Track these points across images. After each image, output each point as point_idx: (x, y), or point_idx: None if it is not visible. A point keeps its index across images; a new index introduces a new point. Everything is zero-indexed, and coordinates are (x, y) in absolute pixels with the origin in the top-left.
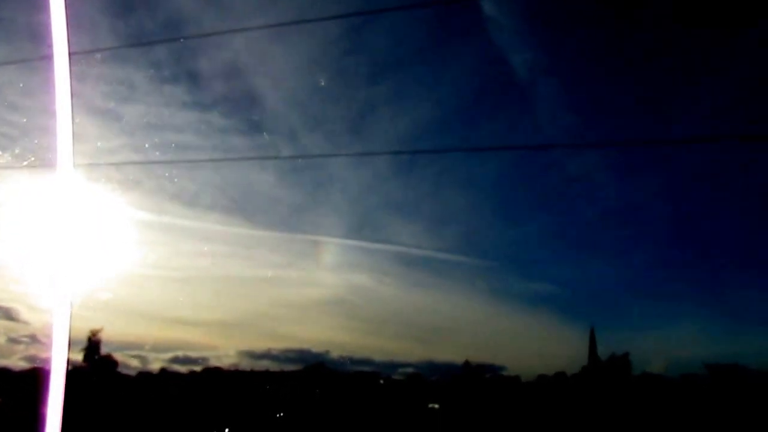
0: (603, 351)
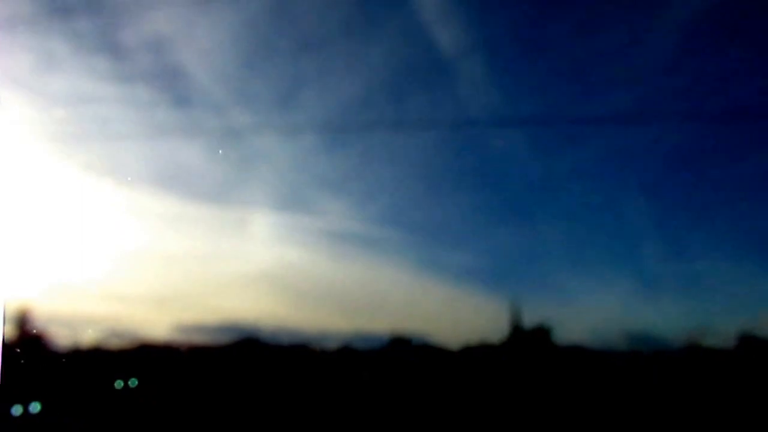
0: (525, 321)
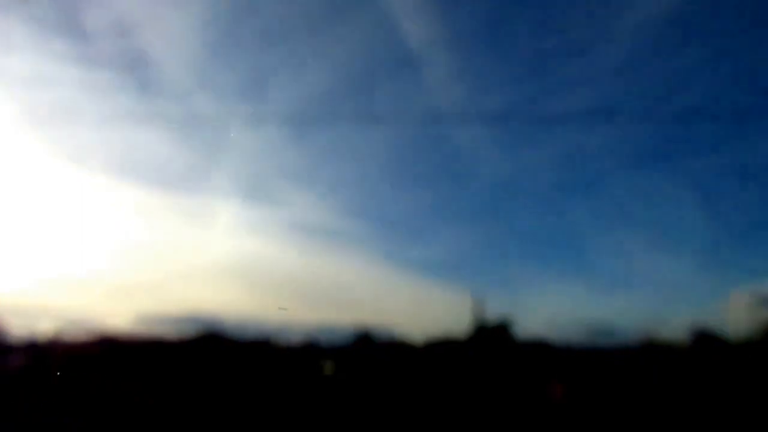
0: (488, 314)
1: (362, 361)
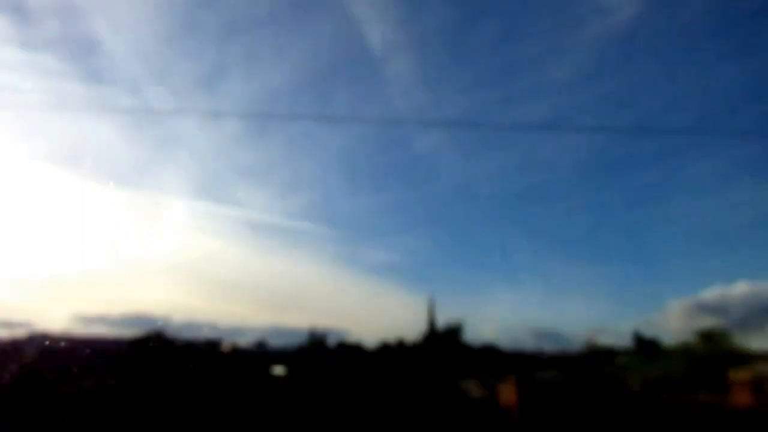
0: (441, 318)
1: (315, 365)
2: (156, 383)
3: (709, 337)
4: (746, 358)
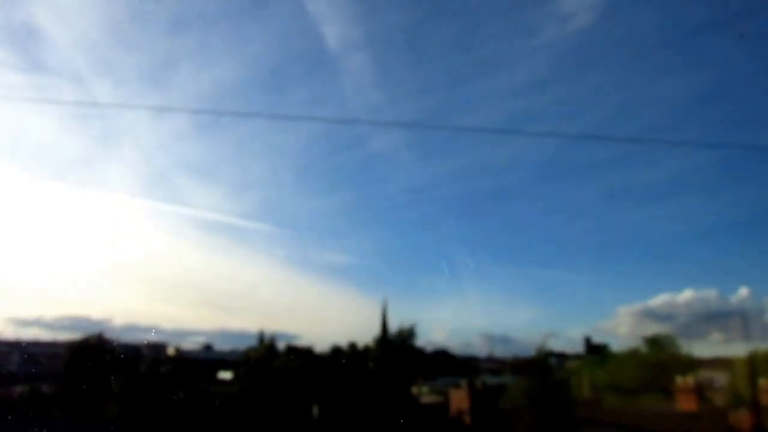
0: (394, 322)
1: (263, 369)
2: (94, 388)
3: (655, 342)
4: (691, 364)
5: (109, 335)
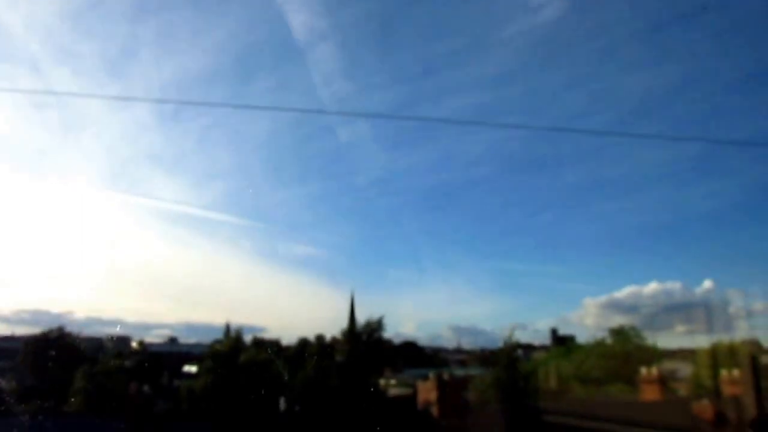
0: (362, 315)
1: (229, 362)
2: (56, 383)
3: (620, 333)
4: (656, 355)
5: (70, 329)
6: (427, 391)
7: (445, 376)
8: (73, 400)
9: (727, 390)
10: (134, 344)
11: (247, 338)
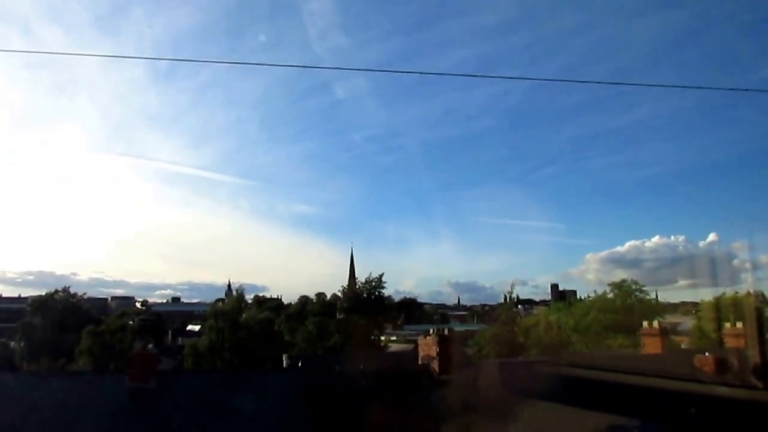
0: (362, 272)
1: (232, 320)
2: (62, 342)
3: (621, 287)
4: (657, 308)
5: (75, 290)
6: (427, 347)
7: (446, 331)
8: (79, 359)
9: (731, 343)
10: (138, 304)
11: (249, 297)
